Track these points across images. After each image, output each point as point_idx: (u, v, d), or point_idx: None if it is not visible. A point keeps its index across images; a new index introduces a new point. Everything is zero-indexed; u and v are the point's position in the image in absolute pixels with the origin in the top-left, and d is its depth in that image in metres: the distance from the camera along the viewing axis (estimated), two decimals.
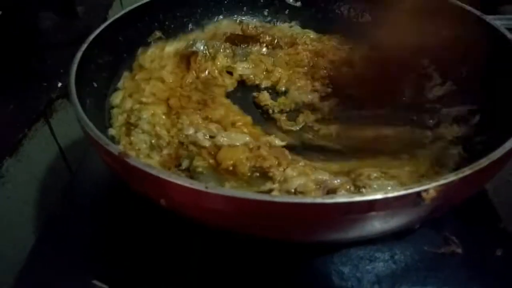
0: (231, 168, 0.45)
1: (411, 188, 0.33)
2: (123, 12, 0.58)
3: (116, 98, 0.56)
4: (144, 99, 0.55)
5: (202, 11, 0.71)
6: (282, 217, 0.34)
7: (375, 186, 0.41)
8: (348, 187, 0.40)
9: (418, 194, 0.34)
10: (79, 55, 0.48)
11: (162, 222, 0.48)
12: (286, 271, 0.45)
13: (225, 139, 0.48)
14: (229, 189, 0.34)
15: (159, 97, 0.56)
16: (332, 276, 0.45)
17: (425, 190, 0.34)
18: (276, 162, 0.44)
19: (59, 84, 0.71)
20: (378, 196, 0.33)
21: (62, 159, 0.72)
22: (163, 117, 0.53)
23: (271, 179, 0.43)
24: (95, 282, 0.44)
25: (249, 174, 0.44)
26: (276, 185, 0.42)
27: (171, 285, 0.44)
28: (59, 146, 0.71)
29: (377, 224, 0.36)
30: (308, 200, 0.33)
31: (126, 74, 0.60)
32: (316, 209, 0.33)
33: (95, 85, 0.53)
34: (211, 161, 0.46)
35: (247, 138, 0.48)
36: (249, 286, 0.45)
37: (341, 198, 0.33)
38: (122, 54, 0.59)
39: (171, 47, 0.65)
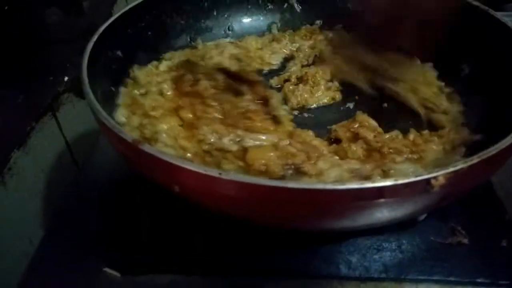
0: (263, 168, 0.44)
1: (420, 175, 0.34)
2: (131, 5, 0.59)
3: (121, 116, 0.53)
4: (152, 113, 0.53)
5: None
6: (294, 203, 0.34)
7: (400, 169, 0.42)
8: (379, 172, 0.41)
9: (428, 181, 0.34)
10: (90, 45, 0.48)
11: (171, 210, 0.48)
12: (295, 260, 0.46)
13: (252, 140, 0.48)
14: (242, 175, 0.34)
15: (167, 109, 0.54)
16: (340, 265, 0.45)
17: (435, 177, 0.34)
18: (306, 157, 0.44)
19: (66, 78, 0.72)
20: (388, 182, 0.34)
21: (68, 152, 0.73)
22: (181, 128, 0.52)
23: (306, 174, 0.43)
24: (107, 269, 0.44)
25: (282, 173, 0.44)
26: (313, 180, 0.42)
27: (181, 271, 0.45)
28: (66, 139, 0.72)
29: (386, 212, 0.37)
30: (319, 185, 0.33)
31: (123, 89, 0.57)
32: (328, 195, 0.33)
33: (105, 78, 0.53)
34: (241, 163, 0.45)
35: (274, 137, 0.48)
36: (258, 273, 0.45)
37: (352, 184, 0.33)
38: (131, 47, 0.60)
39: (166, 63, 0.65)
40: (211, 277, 0.45)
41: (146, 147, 0.36)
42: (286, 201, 0.34)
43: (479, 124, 0.52)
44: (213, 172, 0.34)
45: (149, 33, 0.62)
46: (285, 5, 0.76)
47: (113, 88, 0.53)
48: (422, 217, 0.48)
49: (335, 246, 0.47)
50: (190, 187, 0.37)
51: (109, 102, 0.52)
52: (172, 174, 0.36)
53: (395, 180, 0.34)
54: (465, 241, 0.47)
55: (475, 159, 0.35)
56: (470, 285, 0.44)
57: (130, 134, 0.37)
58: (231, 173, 0.34)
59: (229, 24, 0.73)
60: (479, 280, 0.44)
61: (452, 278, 0.45)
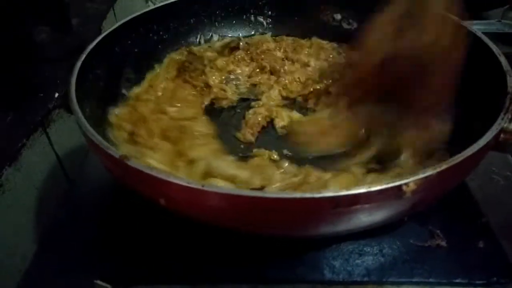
0: None
1: (392, 182, 0.36)
2: (118, 24, 0.61)
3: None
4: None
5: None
6: (275, 212, 0.36)
7: None
8: None
9: (399, 187, 0.36)
10: (78, 64, 0.50)
11: (162, 223, 0.49)
12: (279, 266, 0.48)
13: None
14: (224, 187, 0.36)
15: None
16: (324, 270, 0.47)
17: (406, 184, 0.36)
18: None
19: (56, 95, 0.73)
20: (362, 190, 0.35)
21: (59, 167, 0.74)
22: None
23: None
24: (98, 282, 0.45)
25: None
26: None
27: (172, 282, 0.46)
28: (57, 155, 0.73)
29: (364, 217, 0.38)
30: (297, 195, 0.35)
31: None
32: (306, 203, 0.35)
33: (93, 95, 0.55)
34: None
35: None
36: (246, 281, 0.47)
37: (328, 192, 0.35)
38: (118, 66, 0.61)
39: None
40: (201, 286, 0.47)
41: (132, 162, 0.38)
42: (266, 210, 0.36)
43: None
44: (196, 185, 0.36)
45: (136, 50, 0.64)
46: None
47: (99, 108, 0.55)
48: (404, 218, 0.50)
49: (319, 252, 0.49)
50: (175, 200, 0.38)
51: (98, 119, 0.54)
52: (157, 187, 0.37)
53: (369, 187, 0.36)
54: (443, 243, 0.49)
55: (443, 166, 0.37)
56: (449, 285, 0.46)
57: (115, 150, 0.39)
58: (213, 185, 0.36)
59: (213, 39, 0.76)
60: (457, 281, 0.46)
61: (431, 280, 0.46)
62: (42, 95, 0.73)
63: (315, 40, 0.75)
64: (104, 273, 0.46)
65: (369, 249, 0.49)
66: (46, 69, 0.79)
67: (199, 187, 0.35)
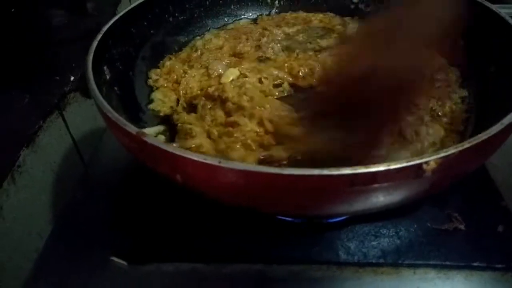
0: None
1: (412, 160, 0.35)
2: (134, 4, 0.61)
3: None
4: None
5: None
6: (291, 189, 0.36)
7: None
8: None
9: (419, 166, 0.36)
10: (94, 44, 0.50)
11: (176, 201, 0.50)
12: (296, 246, 0.47)
13: None
14: (241, 163, 0.36)
15: None
16: (339, 251, 0.47)
17: (426, 162, 0.36)
18: None
19: (72, 78, 0.74)
20: (381, 167, 0.35)
21: (75, 150, 0.74)
22: None
23: None
24: (114, 258, 0.46)
25: None
26: None
27: (186, 259, 0.46)
28: (72, 137, 0.74)
29: (381, 196, 0.38)
30: (315, 171, 0.35)
31: None
32: (324, 180, 0.35)
33: (109, 75, 0.55)
34: None
35: None
36: (261, 260, 0.47)
37: (346, 170, 0.35)
38: (134, 47, 0.61)
39: None
40: (215, 264, 0.47)
41: (149, 139, 0.38)
42: (284, 188, 0.36)
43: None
44: (213, 161, 0.35)
45: (152, 31, 0.64)
46: None
47: (116, 88, 0.55)
48: (422, 199, 0.49)
49: (334, 233, 0.48)
50: (192, 176, 0.38)
51: (114, 98, 0.54)
52: (174, 163, 0.37)
53: (388, 165, 0.35)
54: (462, 227, 0.49)
55: (465, 145, 0.36)
56: (467, 268, 0.46)
57: (133, 126, 0.39)
58: (230, 161, 0.35)
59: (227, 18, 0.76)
60: (475, 264, 0.46)
61: (448, 263, 0.46)
62: (58, 78, 0.74)
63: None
64: (119, 250, 0.46)
65: (385, 231, 0.48)
66: (61, 52, 0.79)
67: (216, 163, 0.35)
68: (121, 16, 0.57)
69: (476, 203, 0.51)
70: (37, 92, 0.70)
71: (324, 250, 0.47)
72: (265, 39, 0.69)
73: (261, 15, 0.78)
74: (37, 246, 0.58)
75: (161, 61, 0.67)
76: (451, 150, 0.36)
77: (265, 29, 0.73)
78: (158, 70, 0.65)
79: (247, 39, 0.70)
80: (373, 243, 0.47)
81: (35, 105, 0.68)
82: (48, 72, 0.75)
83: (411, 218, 0.49)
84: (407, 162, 0.35)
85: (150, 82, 0.64)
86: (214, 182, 0.37)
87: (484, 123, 0.46)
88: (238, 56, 0.67)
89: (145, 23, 0.63)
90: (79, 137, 0.74)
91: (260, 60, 0.66)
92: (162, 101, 0.60)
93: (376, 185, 0.36)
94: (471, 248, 0.47)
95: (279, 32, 0.71)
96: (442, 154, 0.36)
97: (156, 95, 0.62)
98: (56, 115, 0.69)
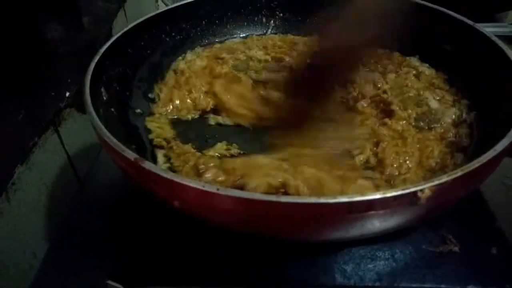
0: None
1: (408, 188, 0.36)
2: (131, 25, 0.61)
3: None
4: None
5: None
6: (288, 216, 0.36)
7: None
8: None
9: (414, 193, 0.36)
10: (92, 65, 0.50)
11: (174, 223, 0.50)
12: (290, 269, 0.47)
13: None
14: (239, 191, 0.36)
15: None
16: (335, 274, 0.47)
17: (421, 190, 0.36)
18: None
19: (67, 94, 0.73)
20: (377, 195, 0.35)
21: (70, 166, 0.74)
22: None
23: None
24: (110, 282, 0.45)
25: None
26: None
27: (183, 283, 0.46)
28: (67, 153, 0.73)
29: (377, 223, 0.38)
30: (312, 199, 0.35)
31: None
32: (319, 208, 0.35)
33: (106, 96, 0.55)
34: None
35: None
36: (258, 284, 0.47)
37: (343, 198, 0.35)
38: (131, 66, 0.62)
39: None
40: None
41: (147, 165, 0.38)
42: (280, 215, 0.36)
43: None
44: (211, 188, 0.36)
45: (149, 51, 0.64)
46: None
47: (112, 109, 0.55)
48: (417, 224, 0.49)
49: (331, 256, 0.48)
50: (190, 203, 0.38)
51: (111, 119, 0.54)
52: (171, 190, 0.37)
53: (384, 193, 0.36)
54: (456, 249, 0.49)
55: (458, 172, 0.37)
56: None
57: (131, 152, 0.39)
58: (228, 189, 0.35)
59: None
60: (469, 287, 0.46)
61: (443, 286, 0.46)
62: (53, 93, 0.73)
63: None
64: (115, 273, 0.46)
65: (381, 254, 0.48)
66: (57, 67, 0.79)
67: (214, 190, 0.35)
68: (118, 37, 0.57)
69: (470, 224, 0.52)
70: (32, 107, 0.69)
71: (321, 273, 0.47)
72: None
73: (252, 35, 0.79)
74: (32, 264, 0.58)
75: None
76: (445, 178, 0.37)
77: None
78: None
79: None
80: (369, 266, 0.47)
81: (30, 121, 0.67)
82: (43, 87, 0.74)
83: (407, 240, 0.49)
84: (403, 190, 0.36)
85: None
86: (211, 209, 0.38)
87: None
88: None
89: (142, 43, 0.63)
90: (74, 153, 0.74)
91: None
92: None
93: (372, 212, 0.36)
94: (465, 271, 0.47)
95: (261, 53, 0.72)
96: (436, 182, 0.37)
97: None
98: (51, 131, 0.69)
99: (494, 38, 0.55)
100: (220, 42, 0.76)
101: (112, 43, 0.56)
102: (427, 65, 0.67)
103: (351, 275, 0.47)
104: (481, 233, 0.51)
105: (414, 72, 0.66)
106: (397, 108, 0.58)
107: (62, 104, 0.72)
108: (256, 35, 0.78)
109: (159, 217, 0.51)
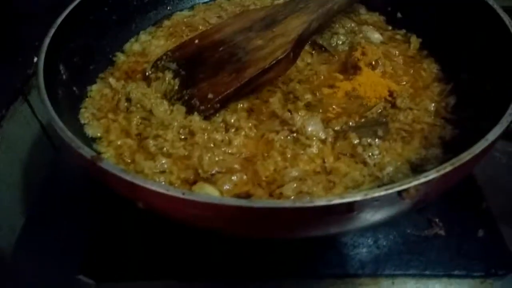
0: None
1: (391, 188, 0.33)
2: None
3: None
4: None
5: None
6: (261, 221, 0.33)
7: None
8: None
9: (399, 193, 0.33)
10: (47, 40, 0.45)
11: (146, 218, 0.47)
12: (271, 260, 0.46)
13: None
14: (206, 195, 0.33)
15: None
16: (317, 263, 0.45)
17: (406, 190, 0.33)
18: None
19: (35, 59, 0.68)
20: (358, 197, 0.32)
21: (44, 135, 0.71)
22: None
23: None
24: (81, 277, 0.44)
25: None
26: None
27: (156, 278, 0.45)
28: (41, 122, 0.69)
29: (359, 222, 0.36)
30: (287, 204, 0.32)
31: None
32: (295, 213, 0.32)
33: (66, 74, 0.50)
34: None
35: None
36: (233, 275, 0.46)
37: (320, 201, 0.32)
38: (94, 37, 0.56)
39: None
40: (186, 282, 0.45)
41: (105, 164, 0.34)
42: (252, 219, 0.33)
43: None
44: (176, 192, 0.32)
45: (114, 17, 0.58)
46: None
47: (75, 88, 0.50)
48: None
49: (312, 245, 0.46)
50: (154, 205, 0.35)
51: (72, 103, 0.49)
52: (133, 192, 0.34)
53: (365, 194, 0.33)
54: (442, 232, 0.47)
55: (448, 167, 0.34)
56: (446, 277, 0.45)
57: (88, 149, 0.35)
58: (194, 193, 0.32)
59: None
60: (454, 273, 0.45)
61: (427, 272, 0.45)
62: (20, 59, 0.68)
63: None
64: (87, 268, 0.44)
65: (363, 241, 0.47)
66: (22, 29, 0.73)
67: (180, 195, 0.32)
68: (78, 3, 0.51)
69: (456, 205, 0.49)
70: None
71: (301, 262, 0.45)
72: None
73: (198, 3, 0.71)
74: (9, 241, 0.56)
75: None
76: (433, 175, 0.34)
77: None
78: None
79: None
80: (352, 253, 0.46)
81: None
82: (8, 52, 0.69)
83: (390, 225, 0.47)
84: (385, 190, 0.33)
85: None
86: (178, 212, 0.35)
87: None
88: None
89: (106, 8, 0.57)
90: (48, 121, 0.70)
91: None
92: None
93: (353, 213, 0.34)
94: (451, 256, 0.46)
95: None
96: (422, 180, 0.33)
97: None
98: (20, 101, 0.64)
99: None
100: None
101: (71, 11, 0.50)
102: None
103: (333, 264, 0.45)
104: (468, 215, 0.49)
105: None
106: None
107: (30, 70, 0.67)
108: (203, 3, 0.71)
109: (131, 211, 0.48)
